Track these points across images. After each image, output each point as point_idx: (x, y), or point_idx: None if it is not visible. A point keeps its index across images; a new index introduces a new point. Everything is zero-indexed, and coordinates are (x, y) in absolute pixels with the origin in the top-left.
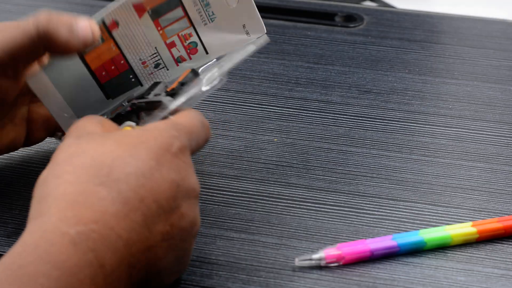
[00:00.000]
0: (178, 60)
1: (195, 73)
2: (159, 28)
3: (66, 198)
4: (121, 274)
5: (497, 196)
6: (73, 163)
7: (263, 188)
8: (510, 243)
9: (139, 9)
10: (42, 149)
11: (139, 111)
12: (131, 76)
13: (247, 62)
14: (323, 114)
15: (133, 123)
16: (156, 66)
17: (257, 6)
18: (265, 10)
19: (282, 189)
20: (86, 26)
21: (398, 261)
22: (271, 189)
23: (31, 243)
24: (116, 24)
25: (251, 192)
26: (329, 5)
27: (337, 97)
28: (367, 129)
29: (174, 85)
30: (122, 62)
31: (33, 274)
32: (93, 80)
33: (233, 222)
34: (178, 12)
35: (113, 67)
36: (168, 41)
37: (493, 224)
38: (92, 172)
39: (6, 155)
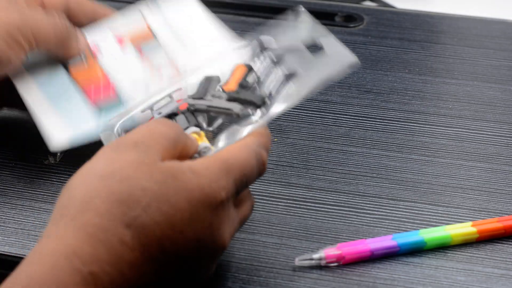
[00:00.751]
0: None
1: (250, 69)
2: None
3: (87, 230)
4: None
5: (497, 196)
6: (109, 188)
7: (263, 188)
8: (510, 243)
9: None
10: (43, 150)
11: (195, 112)
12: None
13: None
14: (323, 114)
15: (197, 129)
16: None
17: (256, 6)
18: (265, 10)
19: (282, 189)
20: (82, 38)
21: (398, 261)
22: (271, 189)
23: (39, 274)
24: None
25: (251, 192)
26: (329, 5)
27: (337, 97)
28: (367, 129)
29: (231, 86)
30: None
31: None
32: None
33: None
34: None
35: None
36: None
37: (493, 224)
38: (124, 209)
39: (6, 156)
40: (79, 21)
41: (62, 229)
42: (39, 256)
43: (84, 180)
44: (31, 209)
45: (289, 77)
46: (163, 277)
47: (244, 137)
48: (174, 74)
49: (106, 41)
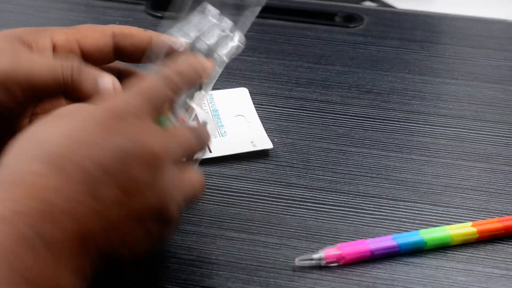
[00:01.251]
0: None
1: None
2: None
3: (3, 180)
4: (72, 245)
5: (497, 196)
6: (19, 145)
7: (263, 188)
8: (511, 243)
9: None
10: None
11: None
12: None
13: (246, 61)
14: (323, 114)
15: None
16: None
17: None
18: (265, 10)
19: (282, 189)
20: (109, 83)
21: (398, 261)
22: (271, 189)
23: None
24: None
25: (251, 192)
26: (329, 5)
27: (337, 97)
28: (367, 129)
29: None
30: None
31: None
32: None
33: (233, 222)
34: (193, 124)
35: None
36: None
37: (493, 224)
38: (31, 150)
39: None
40: (133, 59)
41: None
42: None
43: (7, 151)
44: None
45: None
46: (102, 197)
47: None
48: None
49: None
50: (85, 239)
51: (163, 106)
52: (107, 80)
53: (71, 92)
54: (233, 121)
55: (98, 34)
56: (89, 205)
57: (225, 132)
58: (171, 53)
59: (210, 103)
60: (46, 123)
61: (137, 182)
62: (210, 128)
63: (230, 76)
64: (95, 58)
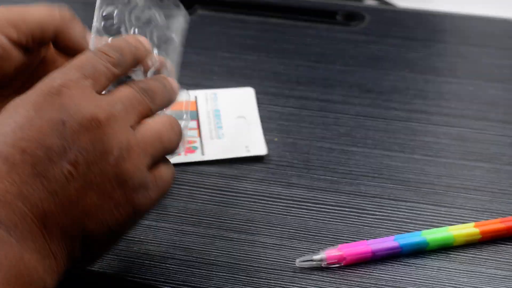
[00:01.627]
0: None
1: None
2: None
3: None
4: (32, 227)
5: (500, 196)
6: None
7: (263, 188)
8: None
9: None
10: None
11: None
12: None
13: (247, 60)
14: (324, 113)
15: None
16: None
17: (258, 5)
18: (265, 9)
19: (283, 189)
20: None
21: (400, 262)
22: (271, 189)
23: None
24: None
25: (251, 192)
26: (330, 4)
27: (338, 96)
28: (368, 129)
29: None
30: None
31: None
32: None
33: (233, 222)
34: (193, 124)
35: None
36: None
37: (496, 224)
38: None
39: None
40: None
41: None
42: None
43: None
44: None
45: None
46: (51, 175)
47: None
48: None
49: None
50: (44, 218)
51: (101, 78)
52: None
53: (62, 38)
54: (232, 123)
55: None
56: (40, 185)
57: (222, 134)
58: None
59: (213, 102)
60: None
61: (85, 152)
62: (183, 126)
63: (230, 75)
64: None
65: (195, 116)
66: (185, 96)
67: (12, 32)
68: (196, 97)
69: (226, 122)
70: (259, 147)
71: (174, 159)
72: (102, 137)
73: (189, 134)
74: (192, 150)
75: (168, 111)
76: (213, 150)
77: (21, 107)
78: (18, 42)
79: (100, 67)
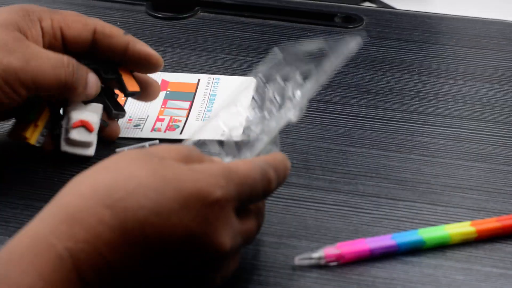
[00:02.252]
0: (154, 129)
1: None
2: (163, 105)
3: (67, 211)
4: None
5: (496, 195)
6: (95, 178)
7: None
8: (509, 242)
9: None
10: (45, 150)
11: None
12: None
13: (246, 62)
14: (323, 114)
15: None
16: (136, 126)
17: (257, 7)
18: (264, 11)
19: (282, 188)
20: (93, 83)
21: (397, 260)
22: None
23: (18, 252)
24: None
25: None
26: (329, 6)
27: (336, 97)
28: (366, 129)
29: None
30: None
31: (17, 285)
32: None
33: None
34: (186, 104)
35: None
36: (160, 116)
37: (492, 223)
38: (107, 191)
39: (7, 156)
40: (108, 56)
41: (45, 212)
42: (21, 235)
43: (77, 178)
44: (32, 208)
45: (305, 78)
46: (149, 266)
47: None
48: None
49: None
50: None
51: (246, 200)
52: (93, 80)
53: (64, 95)
54: (223, 108)
55: (80, 27)
56: (135, 270)
57: (208, 117)
58: (145, 64)
59: (213, 87)
60: (130, 162)
61: (193, 269)
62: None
63: (230, 76)
64: (73, 48)
65: (191, 98)
66: None
67: (23, 93)
68: (199, 80)
69: (217, 106)
70: (234, 134)
71: (153, 135)
72: (216, 270)
73: (178, 113)
74: (173, 128)
75: None
76: (191, 131)
77: (171, 195)
78: (25, 97)
79: (254, 194)
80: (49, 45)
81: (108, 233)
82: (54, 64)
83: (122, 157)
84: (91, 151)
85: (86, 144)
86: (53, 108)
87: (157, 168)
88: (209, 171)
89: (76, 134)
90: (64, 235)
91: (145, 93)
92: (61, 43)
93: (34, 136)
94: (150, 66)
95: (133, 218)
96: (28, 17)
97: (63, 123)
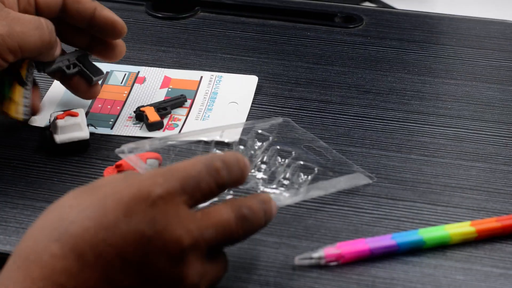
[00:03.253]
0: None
1: None
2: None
3: (22, 254)
4: None
5: (496, 195)
6: (43, 218)
7: None
8: (509, 242)
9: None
10: (44, 150)
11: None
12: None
13: (246, 62)
14: (323, 114)
15: (155, 162)
16: (135, 124)
17: (257, 7)
18: (265, 11)
19: None
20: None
21: (397, 260)
22: None
23: None
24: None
25: (251, 191)
26: (329, 6)
27: (336, 97)
28: (366, 129)
29: None
30: (118, 107)
31: None
32: None
33: None
34: (187, 103)
35: (109, 106)
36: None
37: (491, 223)
38: (53, 227)
39: (7, 156)
40: (75, 22)
41: (8, 261)
42: None
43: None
44: (32, 208)
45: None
46: (113, 282)
47: None
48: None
49: (153, 74)
50: None
51: (198, 194)
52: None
53: (41, 57)
54: (223, 107)
55: None
56: None
57: (208, 117)
58: (110, 29)
59: (215, 85)
60: (73, 197)
61: (157, 272)
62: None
63: (232, 74)
64: (44, 13)
65: (192, 96)
66: None
67: (10, 58)
68: (201, 77)
69: (217, 105)
70: (233, 134)
71: (153, 134)
72: (178, 263)
73: (178, 112)
74: (172, 127)
75: None
76: (190, 131)
77: (112, 206)
78: (11, 62)
79: (203, 186)
80: (23, 11)
81: (62, 263)
82: (36, 25)
83: (66, 196)
84: (85, 133)
85: (77, 127)
86: (19, 78)
87: (97, 193)
88: (145, 175)
89: (63, 122)
90: (21, 278)
91: (112, 53)
92: (34, 8)
93: (15, 110)
94: (114, 32)
95: (82, 241)
96: None
97: (50, 125)
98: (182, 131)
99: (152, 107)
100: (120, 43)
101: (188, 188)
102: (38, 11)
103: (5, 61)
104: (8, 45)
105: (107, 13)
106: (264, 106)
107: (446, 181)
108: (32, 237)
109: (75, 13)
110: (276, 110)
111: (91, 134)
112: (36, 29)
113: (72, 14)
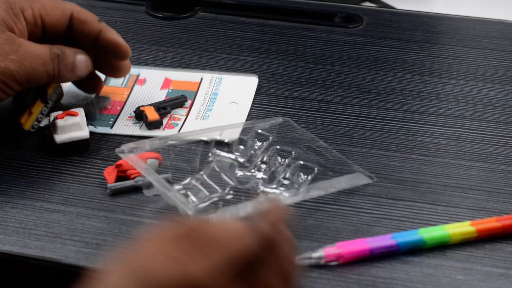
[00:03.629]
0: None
1: None
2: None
3: None
4: None
5: (496, 195)
6: (124, 264)
7: None
8: (509, 242)
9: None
10: (44, 150)
11: None
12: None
13: (247, 61)
14: (323, 114)
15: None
16: (135, 123)
17: (258, 7)
18: (265, 11)
19: None
20: (82, 64)
21: (397, 260)
22: None
23: None
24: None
25: (251, 191)
26: (329, 6)
27: (336, 97)
28: (366, 129)
29: None
30: (118, 107)
31: None
32: None
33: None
34: (187, 103)
35: (109, 106)
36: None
37: (491, 223)
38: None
39: (6, 155)
40: (80, 42)
41: None
42: None
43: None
44: (32, 208)
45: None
46: None
47: None
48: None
49: (154, 76)
50: None
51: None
52: (82, 60)
53: (53, 81)
54: (223, 107)
55: (59, 13)
56: None
57: (208, 116)
58: (114, 51)
59: (216, 85)
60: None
61: None
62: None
63: (233, 75)
64: (51, 33)
65: (193, 97)
66: None
67: (17, 88)
68: (202, 78)
69: (218, 105)
70: (232, 134)
71: (152, 133)
72: None
73: (178, 112)
74: (172, 126)
75: None
76: (189, 130)
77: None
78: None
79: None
80: (31, 33)
81: None
82: (44, 60)
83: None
84: (85, 132)
85: (76, 126)
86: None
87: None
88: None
89: (63, 121)
90: None
91: (116, 72)
92: (41, 29)
93: (28, 123)
94: (118, 54)
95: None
96: (12, 11)
97: (50, 125)
98: (181, 131)
99: (152, 107)
100: (125, 63)
101: (240, 272)
102: (45, 31)
103: (13, 90)
104: (17, 79)
105: (112, 35)
106: (264, 106)
107: (446, 181)
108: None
109: (81, 33)
110: (276, 110)
111: (91, 133)
112: (44, 64)
113: (77, 34)
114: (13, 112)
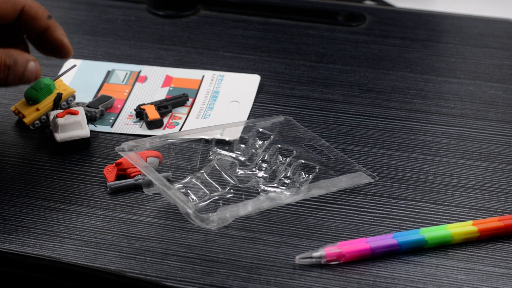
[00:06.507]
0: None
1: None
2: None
3: None
4: None
5: (498, 195)
6: None
7: None
8: (511, 242)
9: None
10: (44, 148)
11: None
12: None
13: (248, 60)
14: (325, 112)
15: (155, 160)
16: (135, 122)
17: (260, 5)
18: (267, 9)
19: None
20: (32, 71)
21: (398, 259)
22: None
23: None
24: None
25: (252, 190)
26: (331, 4)
27: (338, 95)
28: (368, 128)
29: None
30: (118, 106)
31: None
32: None
33: (234, 220)
34: (189, 102)
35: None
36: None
37: (494, 223)
38: None
39: (6, 154)
40: (26, 33)
41: None
42: None
43: None
44: (31, 206)
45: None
46: None
47: None
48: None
49: (155, 73)
50: None
51: None
52: (31, 68)
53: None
54: (224, 106)
55: (9, 7)
56: None
57: (209, 115)
58: (56, 50)
59: (217, 84)
60: None
61: None
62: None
63: (234, 73)
64: None
65: (194, 94)
66: None
67: None
68: (203, 76)
69: (219, 104)
70: (233, 132)
71: (152, 131)
72: None
73: (179, 110)
74: (172, 125)
75: None
76: (191, 128)
77: None
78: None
79: None
80: None
81: None
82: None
83: None
84: (86, 131)
85: (77, 125)
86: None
87: None
88: None
89: (64, 120)
90: None
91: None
92: None
93: (31, 118)
94: (61, 53)
95: None
96: None
97: (50, 123)
98: (182, 129)
99: (153, 105)
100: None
101: None
102: None
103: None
104: None
105: (58, 35)
106: (265, 105)
107: (448, 180)
108: None
109: (28, 27)
110: (278, 109)
111: (91, 132)
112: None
113: (25, 27)
114: (20, 103)
